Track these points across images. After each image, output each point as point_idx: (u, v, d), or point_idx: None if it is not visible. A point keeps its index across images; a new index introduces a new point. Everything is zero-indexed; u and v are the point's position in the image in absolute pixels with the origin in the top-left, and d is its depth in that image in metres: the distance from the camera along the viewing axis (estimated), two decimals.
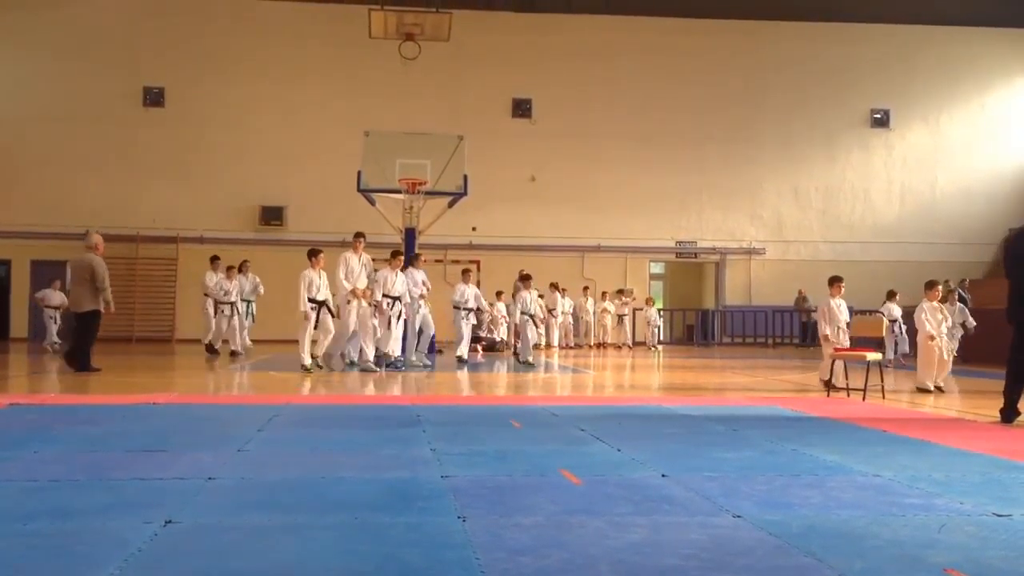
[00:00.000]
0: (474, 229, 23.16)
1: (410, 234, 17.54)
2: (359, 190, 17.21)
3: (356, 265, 12.23)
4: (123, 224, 22.53)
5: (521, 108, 24.48)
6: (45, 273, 22.74)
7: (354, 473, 4.46)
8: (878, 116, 25.67)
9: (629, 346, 21.89)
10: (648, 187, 24.45)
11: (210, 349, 16.01)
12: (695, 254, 25.08)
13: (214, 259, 16.61)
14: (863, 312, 19.24)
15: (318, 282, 12.20)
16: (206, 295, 16.18)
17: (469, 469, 4.56)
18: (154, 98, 23.39)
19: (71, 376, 10.67)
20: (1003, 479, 4.49)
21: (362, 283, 12.20)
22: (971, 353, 16.48)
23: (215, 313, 16.05)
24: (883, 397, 8.96)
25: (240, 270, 16.68)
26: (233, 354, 15.60)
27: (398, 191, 17.04)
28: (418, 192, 16.94)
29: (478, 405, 8.13)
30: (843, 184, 25.55)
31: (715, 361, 16.62)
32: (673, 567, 2.89)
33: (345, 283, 11.94)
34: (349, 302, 12.02)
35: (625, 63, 24.51)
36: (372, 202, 17.73)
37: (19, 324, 22.53)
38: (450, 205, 17.98)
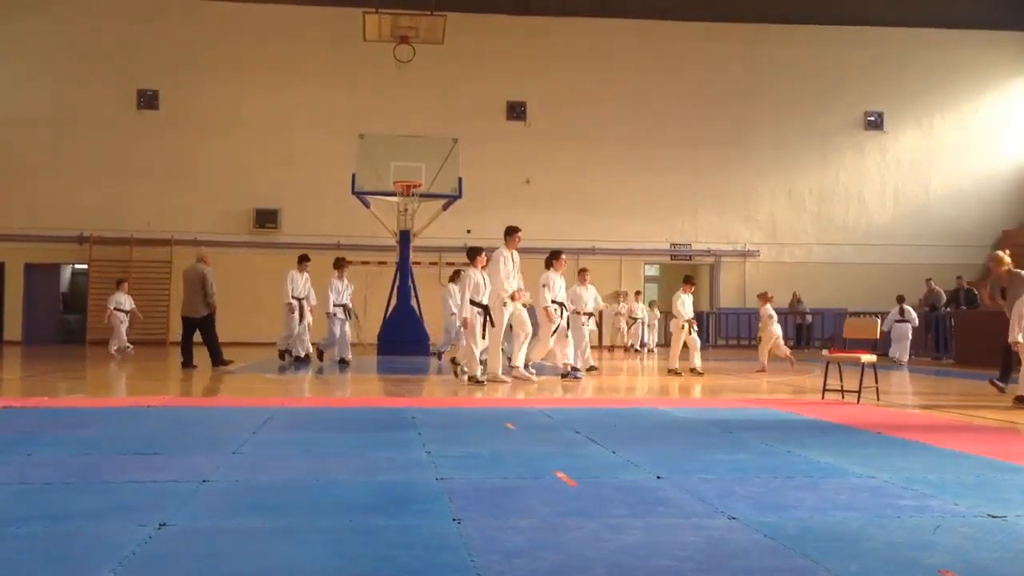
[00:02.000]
0: (469, 232, 23.12)
1: (405, 237, 17.55)
2: (354, 193, 17.23)
3: (511, 265, 11.02)
4: (117, 227, 22.50)
5: (516, 111, 24.49)
6: (39, 276, 22.73)
7: (349, 476, 4.45)
8: (872, 119, 25.73)
9: (636, 348, 21.69)
10: (643, 189, 24.48)
11: (285, 354, 14.85)
12: (690, 256, 25.10)
13: (303, 259, 15.16)
14: (856, 314, 19.33)
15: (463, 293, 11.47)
16: (297, 299, 14.69)
17: (464, 471, 4.56)
18: (148, 101, 23.35)
19: (71, 380, 10.64)
20: (997, 481, 4.50)
21: (513, 285, 10.97)
22: (966, 354, 16.52)
23: (302, 317, 14.72)
24: (878, 399, 8.97)
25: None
26: (343, 362, 14.58)
27: (393, 194, 17.06)
28: (413, 195, 16.96)
29: (473, 407, 8.12)
30: (837, 186, 25.60)
31: (709, 364, 16.63)
32: (668, 569, 2.89)
33: (507, 284, 10.75)
34: (505, 304, 10.83)
35: (619, 66, 24.54)
36: (367, 205, 17.73)
37: (13, 326, 22.45)
38: (444, 208, 18.00)
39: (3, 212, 22.27)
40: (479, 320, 10.53)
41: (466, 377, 10.66)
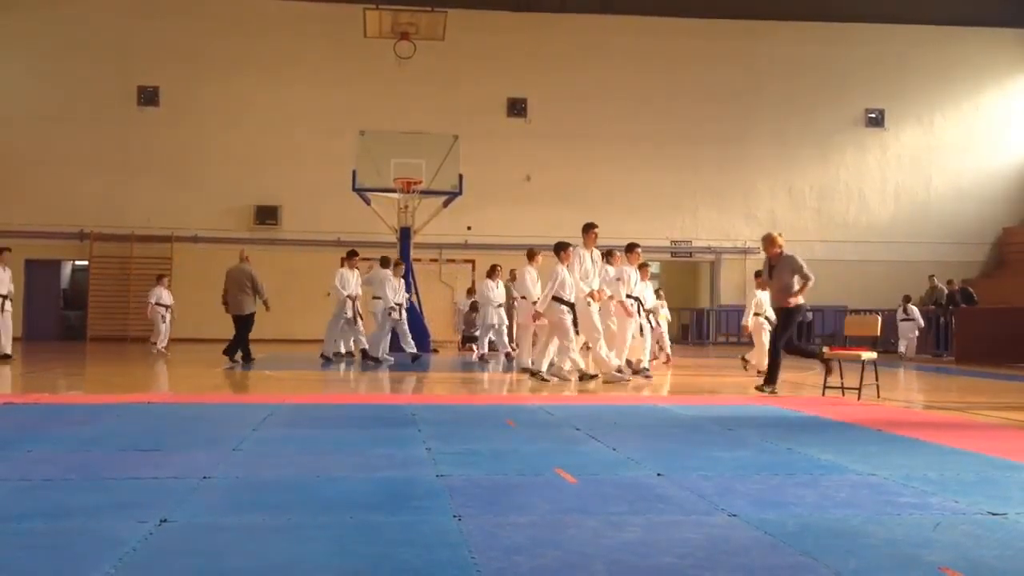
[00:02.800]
0: (469, 228, 23.15)
1: (405, 233, 17.56)
2: (354, 189, 17.23)
3: (589, 264, 10.68)
4: (118, 223, 22.50)
5: (516, 108, 24.48)
6: (40, 272, 22.73)
7: (349, 472, 4.45)
8: (873, 116, 25.72)
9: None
10: (643, 187, 24.46)
11: (370, 356, 13.92)
12: (690, 253, 25.10)
13: (352, 255, 14.54)
14: (857, 312, 19.36)
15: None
16: (376, 297, 14.05)
17: (464, 468, 4.56)
18: (149, 97, 23.35)
19: (69, 377, 10.64)
20: (997, 478, 4.50)
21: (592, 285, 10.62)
22: (966, 352, 16.52)
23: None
24: (878, 396, 8.97)
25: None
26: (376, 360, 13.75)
27: (393, 191, 17.06)
28: (413, 191, 16.97)
29: (473, 404, 8.12)
30: (837, 184, 25.59)
31: (710, 360, 16.63)
32: (668, 566, 2.89)
33: (583, 284, 10.49)
34: (589, 304, 10.54)
35: (620, 63, 24.52)
36: (367, 201, 17.74)
37: (14, 323, 22.32)
38: (445, 205, 18.00)
39: (4, 208, 22.26)
40: (567, 318, 10.22)
41: (553, 379, 10.37)
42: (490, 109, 24.13)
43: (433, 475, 4.36)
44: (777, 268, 9.37)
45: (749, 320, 12.66)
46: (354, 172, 17.05)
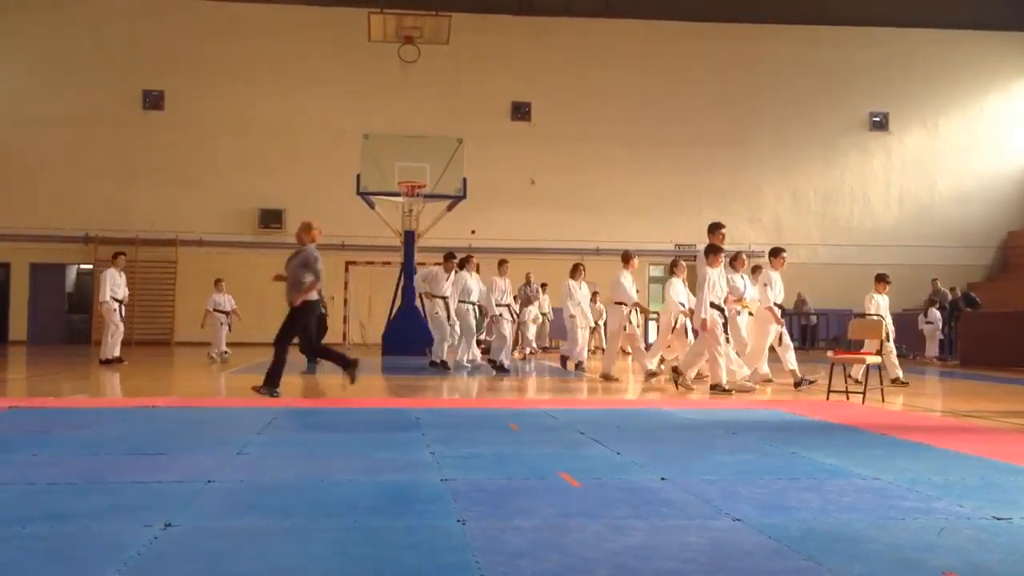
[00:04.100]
0: (473, 232, 23.13)
1: (409, 237, 17.57)
2: (358, 193, 17.24)
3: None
4: (122, 227, 22.54)
5: (520, 111, 24.49)
6: (44, 276, 22.78)
7: (353, 476, 4.45)
8: (876, 119, 25.69)
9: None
10: (647, 190, 24.46)
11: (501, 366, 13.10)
12: (694, 257, 25.00)
13: (467, 259, 13.88)
14: (861, 316, 19.33)
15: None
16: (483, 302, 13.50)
17: (468, 472, 4.56)
18: (154, 101, 23.40)
19: (73, 381, 10.66)
20: (1002, 482, 4.49)
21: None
22: (970, 355, 16.50)
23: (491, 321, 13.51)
24: (882, 400, 8.95)
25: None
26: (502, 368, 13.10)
27: (397, 194, 17.07)
28: (417, 195, 16.97)
29: (477, 408, 8.12)
30: (841, 187, 25.57)
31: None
32: (672, 570, 2.88)
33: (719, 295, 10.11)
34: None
35: (624, 66, 24.52)
36: (371, 205, 17.75)
37: (18, 327, 22.51)
38: (449, 208, 18.00)
39: (9, 212, 22.33)
40: (720, 324, 9.80)
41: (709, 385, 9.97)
42: (494, 112, 24.16)
43: (437, 479, 4.36)
44: (295, 259, 8.66)
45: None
46: (358, 176, 17.06)
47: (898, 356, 11.67)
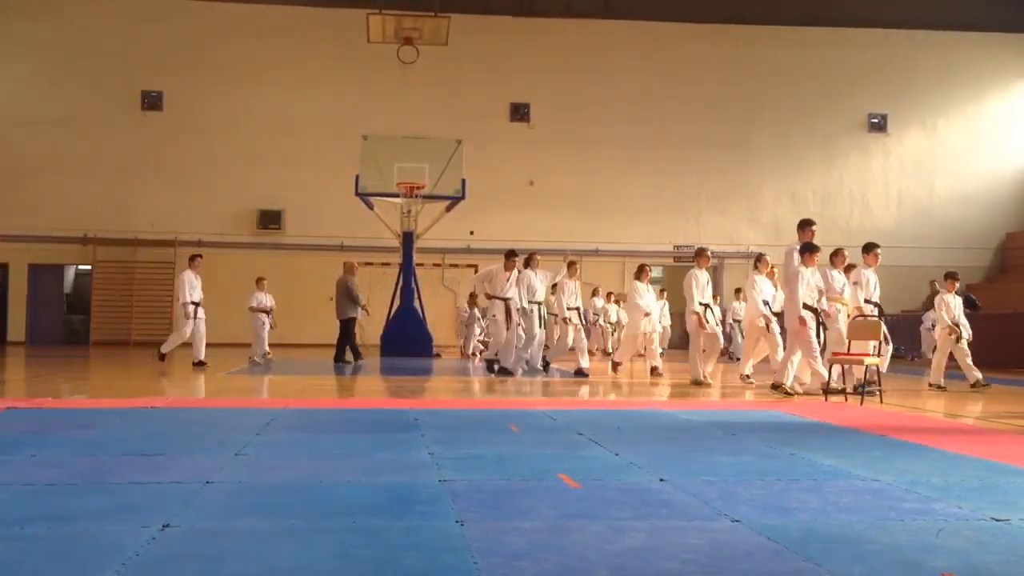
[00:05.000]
0: (472, 233, 23.15)
1: (408, 238, 17.58)
2: (357, 194, 17.25)
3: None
4: (121, 228, 22.53)
5: (519, 112, 24.49)
6: (43, 277, 22.77)
7: (352, 477, 4.45)
8: (876, 121, 25.70)
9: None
10: (646, 191, 24.46)
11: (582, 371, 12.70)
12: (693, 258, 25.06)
13: (512, 254, 12.92)
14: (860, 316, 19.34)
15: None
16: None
17: (467, 473, 4.56)
18: (152, 102, 23.39)
19: (72, 382, 10.65)
20: (1001, 483, 4.49)
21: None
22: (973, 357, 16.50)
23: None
24: (881, 401, 8.95)
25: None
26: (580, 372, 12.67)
27: (396, 195, 17.08)
28: (416, 196, 16.98)
29: (476, 409, 8.11)
30: (841, 188, 25.57)
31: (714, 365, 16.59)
32: (671, 571, 2.88)
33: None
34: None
35: (623, 67, 24.53)
36: (370, 206, 17.76)
37: (17, 327, 22.50)
38: (448, 209, 18.01)
39: (7, 213, 22.31)
40: (813, 326, 9.52)
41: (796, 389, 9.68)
42: (493, 113, 24.16)
43: (436, 480, 4.36)
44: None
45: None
46: (357, 177, 17.07)
47: (897, 357, 11.60)
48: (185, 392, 9.67)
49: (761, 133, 25.08)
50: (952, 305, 11.31)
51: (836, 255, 10.75)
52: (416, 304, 17.53)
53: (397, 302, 17.55)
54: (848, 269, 10.93)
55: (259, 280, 15.84)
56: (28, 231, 22.25)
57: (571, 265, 13.53)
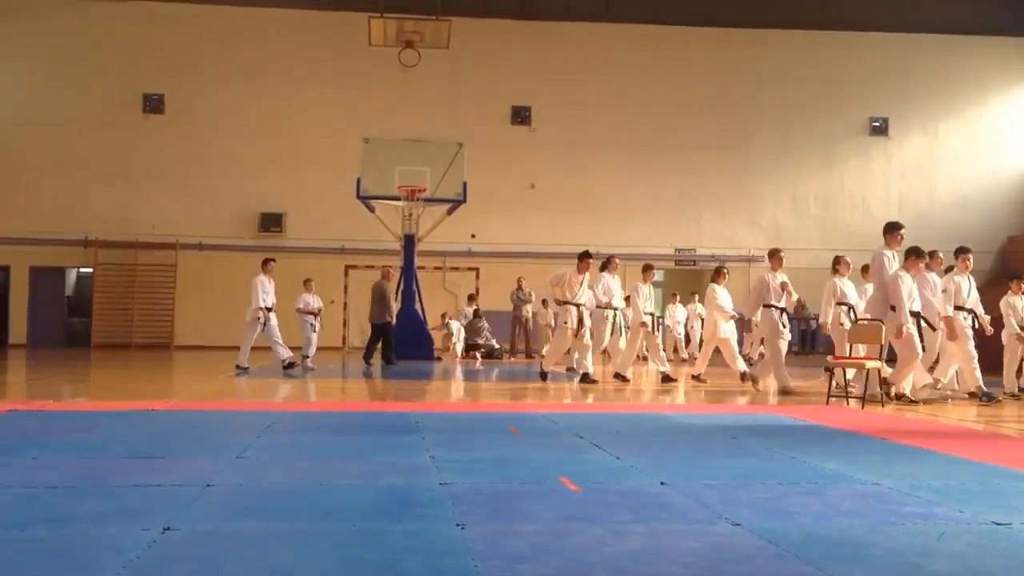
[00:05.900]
0: (473, 236, 23.13)
1: (409, 241, 17.59)
2: (358, 197, 17.25)
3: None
4: (122, 230, 22.52)
5: (520, 115, 24.50)
6: (44, 279, 22.77)
7: (352, 480, 4.45)
8: (876, 124, 25.69)
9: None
10: (647, 194, 24.45)
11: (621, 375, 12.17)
12: (694, 261, 25.06)
13: (610, 259, 12.52)
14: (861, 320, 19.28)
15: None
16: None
17: (467, 476, 4.55)
18: (154, 105, 23.40)
19: (73, 384, 10.65)
20: (1002, 487, 4.49)
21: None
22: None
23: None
24: (882, 405, 8.94)
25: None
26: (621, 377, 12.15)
27: (397, 198, 17.09)
28: (417, 199, 16.99)
29: (477, 412, 8.11)
30: (841, 192, 25.56)
31: (714, 369, 16.59)
32: (671, 575, 2.88)
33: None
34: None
35: (624, 70, 24.53)
36: (371, 209, 17.77)
37: (18, 330, 22.49)
38: (449, 212, 18.02)
39: (9, 215, 22.31)
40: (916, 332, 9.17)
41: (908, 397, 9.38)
42: (494, 117, 24.16)
43: (436, 483, 4.36)
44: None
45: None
46: (359, 179, 17.08)
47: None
48: (186, 395, 9.65)
49: (762, 136, 25.08)
50: (1019, 308, 10.73)
51: (933, 257, 10.38)
52: (417, 307, 17.53)
53: (398, 305, 17.55)
54: (948, 271, 10.67)
55: (306, 282, 15.35)
56: (29, 233, 22.24)
57: (647, 269, 12.77)
